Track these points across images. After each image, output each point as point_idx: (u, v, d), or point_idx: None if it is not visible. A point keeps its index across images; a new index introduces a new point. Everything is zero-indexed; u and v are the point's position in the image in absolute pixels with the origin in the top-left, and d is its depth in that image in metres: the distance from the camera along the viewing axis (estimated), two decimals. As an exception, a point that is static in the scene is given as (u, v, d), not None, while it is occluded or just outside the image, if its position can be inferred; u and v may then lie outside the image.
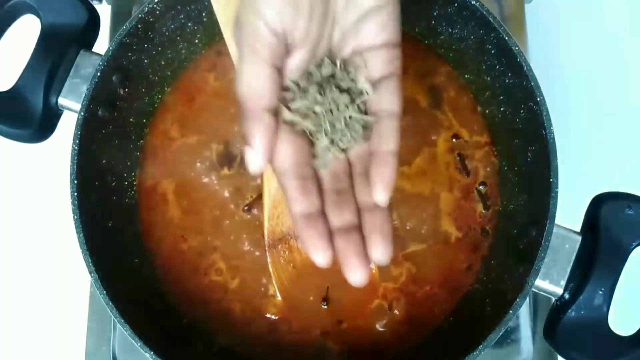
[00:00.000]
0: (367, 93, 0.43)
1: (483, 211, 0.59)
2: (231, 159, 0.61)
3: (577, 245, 0.52)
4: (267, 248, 0.57)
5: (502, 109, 0.59)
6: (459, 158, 0.60)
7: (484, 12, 0.55)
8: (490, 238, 0.59)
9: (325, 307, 0.58)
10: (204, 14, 0.62)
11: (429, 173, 0.60)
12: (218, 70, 0.64)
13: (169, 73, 0.63)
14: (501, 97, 0.59)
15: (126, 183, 0.61)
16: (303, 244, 0.40)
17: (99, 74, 0.55)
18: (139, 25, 0.57)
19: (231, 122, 0.62)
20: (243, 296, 0.59)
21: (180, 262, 0.60)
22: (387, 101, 0.42)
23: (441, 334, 0.57)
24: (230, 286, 0.59)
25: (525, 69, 0.53)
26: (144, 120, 0.62)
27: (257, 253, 0.59)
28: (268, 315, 0.58)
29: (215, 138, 0.62)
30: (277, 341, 0.58)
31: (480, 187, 0.60)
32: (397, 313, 0.58)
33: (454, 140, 0.61)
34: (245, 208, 0.58)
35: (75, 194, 0.53)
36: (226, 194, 0.60)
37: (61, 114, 0.59)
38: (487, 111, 0.61)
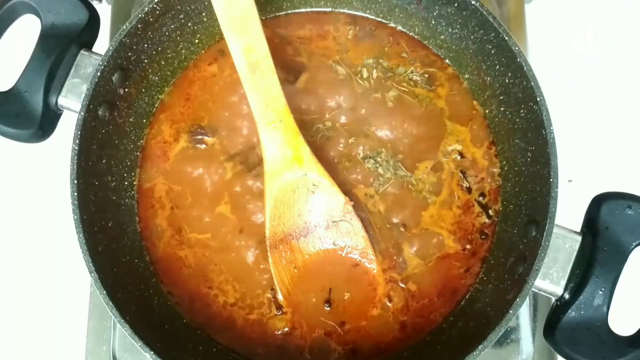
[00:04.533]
0: None
1: (487, 221, 0.59)
2: (233, 159, 0.61)
3: (577, 245, 0.52)
4: (268, 248, 0.57)
5: (502, 109, 0.59)
6: (461, 174, 0.60)
7: (484, 12, 0.55)
8: (490, 239, 0.59)
9: (328, 308, 0.58)
10: (204, 14, 0.62)
11: (428, 186, 0.60)
12: (218, 70, 0.64)
13: (169, 73, 0.63)
14: (501, 97, 0.59)
15: (126, 183, 0.61)
16: None
17: (99, 74, 0.55)
18: (139, 25, 0.57)
19: (232, 122, 0.62)
20: (246, 311, 0.59)
21: (180, 266, 0.59)
22: None
23: (442, 334, 0.57)
24: (231, 301, 0.59)
25: (525, 69, 0.53)
26: (144, 120, 0.62)
27: (262, 266, 0.59)
28: (276, 332, 0.58)
29: (216, 137, 0.61)
30: (280, 342, 0.58)
31: (480, 198, 0.59)
32: (399, 314, 0.58)
33: (458, 157, 0.60)
34: (272, 296, 0.58)
35: (75, 194, 0.53)
36: (229, 195, 0.60)
37: (61, 114, 0.59)
38: (487, 111, 0.61)
